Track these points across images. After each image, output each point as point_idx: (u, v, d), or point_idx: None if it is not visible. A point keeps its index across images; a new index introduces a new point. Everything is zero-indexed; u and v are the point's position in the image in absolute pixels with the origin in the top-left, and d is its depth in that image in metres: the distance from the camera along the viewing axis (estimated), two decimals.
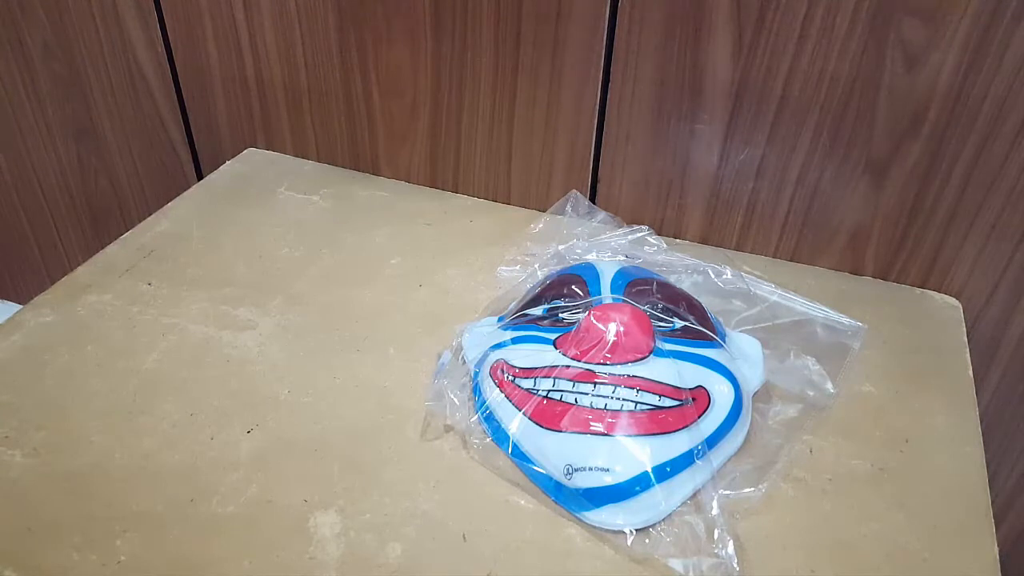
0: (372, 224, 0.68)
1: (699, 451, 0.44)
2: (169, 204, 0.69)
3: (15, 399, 0.50)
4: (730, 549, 0.41)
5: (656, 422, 0.45)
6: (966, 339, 0.59)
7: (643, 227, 0.62)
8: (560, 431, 0.45)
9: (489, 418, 0.48)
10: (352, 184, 0.73)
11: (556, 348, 0.49)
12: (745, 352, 0.52)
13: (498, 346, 0.51)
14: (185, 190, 0.72)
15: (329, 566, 0.41)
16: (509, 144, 0.69)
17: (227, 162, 0.76)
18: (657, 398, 0.45)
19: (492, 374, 0.49)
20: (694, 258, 0.60)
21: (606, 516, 0.43)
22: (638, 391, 0.45)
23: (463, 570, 0.41)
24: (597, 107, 0.64)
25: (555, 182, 0.69)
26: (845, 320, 0.56)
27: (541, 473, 0.45)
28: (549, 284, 0.55)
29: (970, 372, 0.55)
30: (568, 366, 0.47)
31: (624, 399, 0.45)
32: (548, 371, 0.47)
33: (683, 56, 0.60)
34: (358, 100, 0.71)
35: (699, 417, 0.46)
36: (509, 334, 0.51)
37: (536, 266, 0.60)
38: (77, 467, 0.45)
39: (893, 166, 0.60)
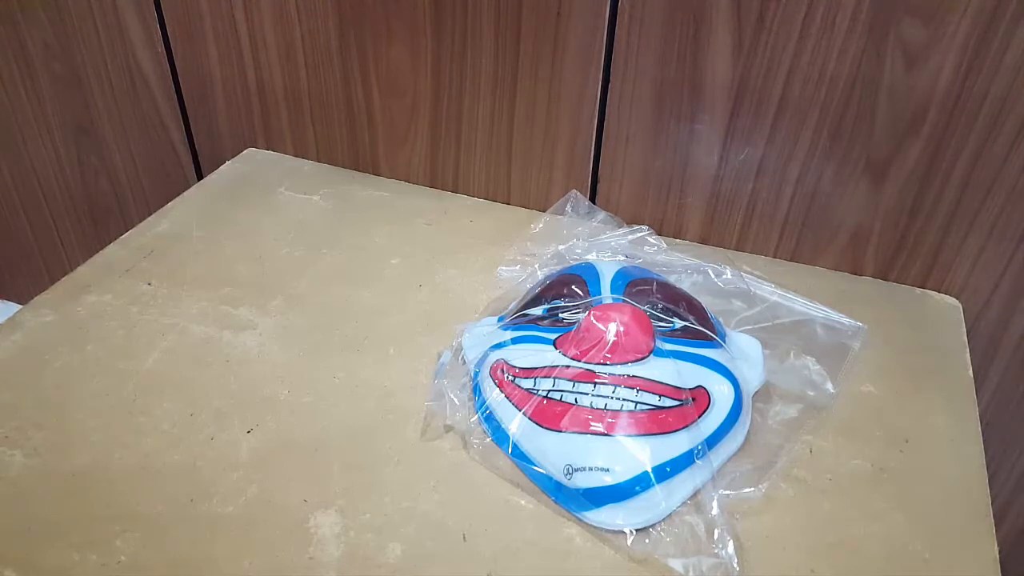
0: (372, 224, 0.68)
1: (699, 451, 0.44)
2: (169, 204, 0.69)
3: (15, 399, 0.50)
4: (730, 549, 0.41)
5: (656, 422, 0.45)
6: (966, 339, 0.59)
7: (643, 227, 0.62)
8: (560, 431, 0.45)
9: (489, 418, 0.48)
10: (352, 184, 0.74)
11: (556, 348, 0.49)
12: (745, 352, 0.52)
13: (498, 346, 0.51)
14: (185, 190, 0.72)
15: (329, 566, 0.41)
16: (509, 144, 0.69)
17: (227, 162, 0.76)
18: (657, 398, 0.45)
19: (492, 374, 0.49)
20: (694, 258, 0.60)
21: (606, 516, 0.43)
22: (638, 391, 0.45)
23: (463, 570, 0.41)
24: (597, 107, 0.64)
25: (555, 182, 0.69)
26: (845, 320, 0.56)
27: (541, 473, 0.45)
28: (549, 284, 0.55)
29: (970, 372, 0.55)
30: (568, 366, 0.47)
31: (624, 399, 0.45)
32: (548, 371, 0.47)
33: (683, 56, 0.60)
34: (358, 100, 0.71)
35: (699, 417, 0.46)
36: (509, 334, 0.51)
37: (536, 266, 0.60)
38: (77, 467, 0.45)
39: (893, 166, 0.60)
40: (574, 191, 0.65)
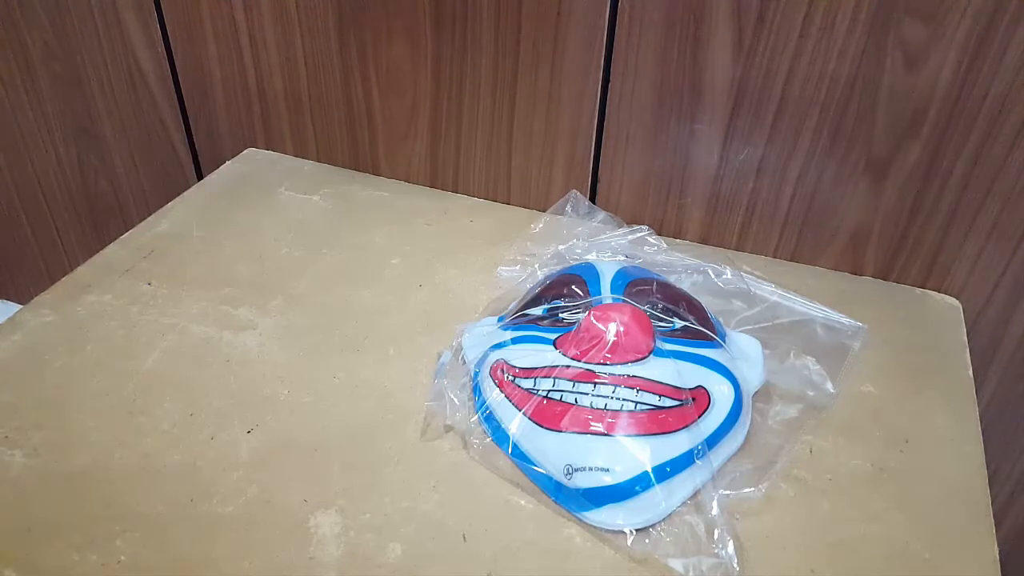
0: (372, 224, 0.68)
1: (699, 451, 0.44)
2: (169, 204, 0.69)
3: (15, 399, 0.50)
4: (730, 549, 0.41)
5: (656, 422, 0.45)
6: (966, 339, 0.59)
7: (643, 227, 0.62)
8: (560, 431, 0.45)
9: (489, 418, 0.48)
10: (352, 184, 0.74)
11: (556, 348, 0.49)
12: (745, 352, 0.52)
13: (498, 346, 0.51)
14: (185, 190, 0.72)
15: (329, 566, 0.41)
16: (509, 144, 0.69)
17: (227, 162, 0.76)
18: (657, 398, 0.45)
19: (492, 374, 0.49)
20: (694, 258, 0.60)
21: (606, 516, 0.43)
22: (638, 391, 0.45)
23: (463, 570, 0.41)
24: (597, 107, 0.64)
25: (555, 182, 0.69)
26: (845, 320, 0.56)
27: (541, 473, 0.45)
28: (549, 284, 0.55)
29: (970, 372, 0.55)
30: (568, 366, 0.47)
31: (624, 399, 0.45)
32: (548, 371, 0.47)
33: (683, 56, 0.60)
34: (358, 100, 0.71)
35: (699, 417, 0.46)
36: (509, 334, 0.51)
37: (536, 266, 0.60)
38: (77, 467, 0.45)
39: (893, 166, 0.60)
40: (574, 191, 0.65)
